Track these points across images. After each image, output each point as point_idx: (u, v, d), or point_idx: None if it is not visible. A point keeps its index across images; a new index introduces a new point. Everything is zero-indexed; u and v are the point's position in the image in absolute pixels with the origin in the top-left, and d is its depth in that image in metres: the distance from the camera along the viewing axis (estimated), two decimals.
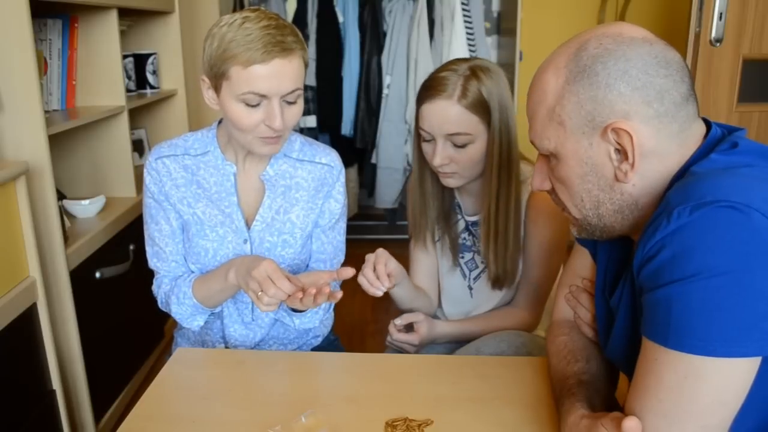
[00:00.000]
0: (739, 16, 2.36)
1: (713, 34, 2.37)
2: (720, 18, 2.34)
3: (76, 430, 1.79)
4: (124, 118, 2.12)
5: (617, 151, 0.79)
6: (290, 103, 1.14)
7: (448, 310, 1.47)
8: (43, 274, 1.58)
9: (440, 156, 1.24)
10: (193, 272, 1.28)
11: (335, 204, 1.31)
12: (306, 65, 1.14)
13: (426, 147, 1.28)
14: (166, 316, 2.41)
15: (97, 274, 1.89)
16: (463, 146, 1.23)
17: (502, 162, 1.24)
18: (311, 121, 3.37)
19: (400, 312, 1.35)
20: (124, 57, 2.27)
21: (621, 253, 0.91)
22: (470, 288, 1.41)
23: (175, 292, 1.25)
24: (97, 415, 1.87)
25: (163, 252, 1.27)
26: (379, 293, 1.21)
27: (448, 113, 1.21)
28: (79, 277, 1.77)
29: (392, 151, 3.30)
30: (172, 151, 1.26)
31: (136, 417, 1.00)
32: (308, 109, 3.32)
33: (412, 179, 1.39)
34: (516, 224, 1.29)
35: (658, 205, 0.76)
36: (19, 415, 1.47)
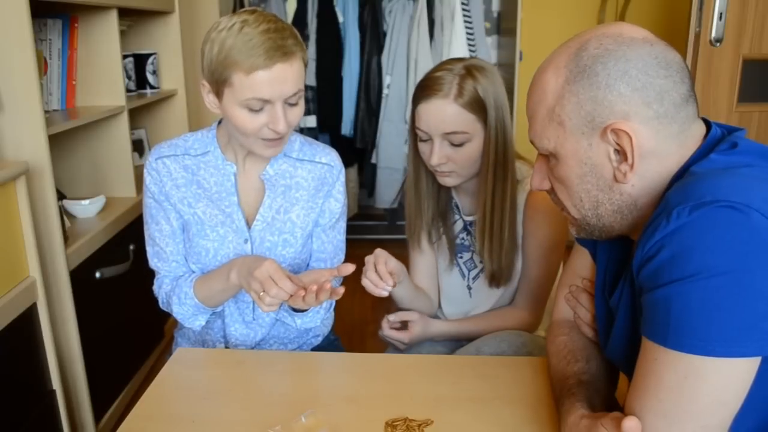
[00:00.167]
0: (739, 16, 2.36)
1: (713, 34, 2.37)
2: (720, 18, 2.34)
3: (76, 430, 1.79)
4: (124, 118, 2.12)
5: (616, 151, 0.79)
6: (292, 105, 1.14)
7: (447, 309, 1.47)
8: (43, 274, 1.58)
9: (438, 155, 1.24)
10: (194, 272, 1.28)
11: (335, 203, 1.31)
12: (306, 65, 1.15)
13: (423, 147, 1.28)
14: (166, 316, 2.41)
15: (97, 274, 1.89)
16: (460, 145, 1.23)
17: (498, 160, 1.25)
18: (311, 121, 3.37)
19: (400, 311, 1.36)
20: (124, 57, 2.27)
21: (621, 253, 0.91)
22: (469, 288, 1.42)
23: (177, 293, 1.25)
24: (97, 415, 1.87)
25: (163, 252, 1.27)
26: (385, 293, 1.21)
27: (445, 112, 1.21)
28: (79, 277, 1.77)
29: (392, 151, 3.30)
30: (173, 151, 1.26)
31: (136, 417, 1.00)
32: (308, 109, 3.33)
33: (407, 180, 1.39)
34: (511, 222, 1.29)
35: (657, 206, 0.76)
36: (19, 415, 1.47)
